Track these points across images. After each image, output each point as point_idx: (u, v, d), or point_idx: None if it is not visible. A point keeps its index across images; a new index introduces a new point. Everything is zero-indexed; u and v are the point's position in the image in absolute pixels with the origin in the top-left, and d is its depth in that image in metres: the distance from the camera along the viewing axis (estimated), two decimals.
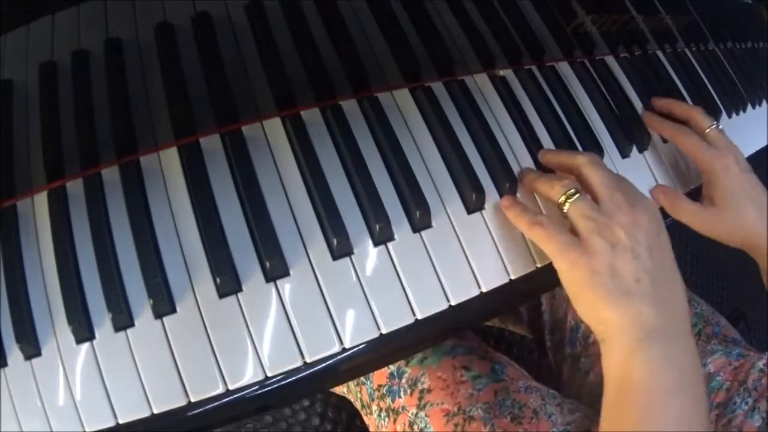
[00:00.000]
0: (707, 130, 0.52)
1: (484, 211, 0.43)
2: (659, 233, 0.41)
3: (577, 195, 0.41)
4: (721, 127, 0.53)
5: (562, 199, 0.41)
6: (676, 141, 0.53)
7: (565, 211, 0.41)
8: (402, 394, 0.56)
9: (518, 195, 0.45)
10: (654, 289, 0.38)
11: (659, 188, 0.52)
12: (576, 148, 0.49)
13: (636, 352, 0.36)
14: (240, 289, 0.37)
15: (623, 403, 0.37)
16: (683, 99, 0.60)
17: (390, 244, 0.40)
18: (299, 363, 0.37)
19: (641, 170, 0.52)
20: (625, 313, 0.37)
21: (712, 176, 0.50)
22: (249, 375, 0.36)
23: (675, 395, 0.35)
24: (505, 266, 0.42)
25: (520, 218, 0.42)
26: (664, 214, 0.48)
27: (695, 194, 0.54)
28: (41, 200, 0.39)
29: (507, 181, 0.44)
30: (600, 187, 0.41)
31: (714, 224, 0.50)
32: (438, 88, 0.47)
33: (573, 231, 0.41)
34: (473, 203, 0.43)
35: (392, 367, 0.57)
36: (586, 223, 0.39)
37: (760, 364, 0.51)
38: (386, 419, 0.57)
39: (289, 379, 0.37)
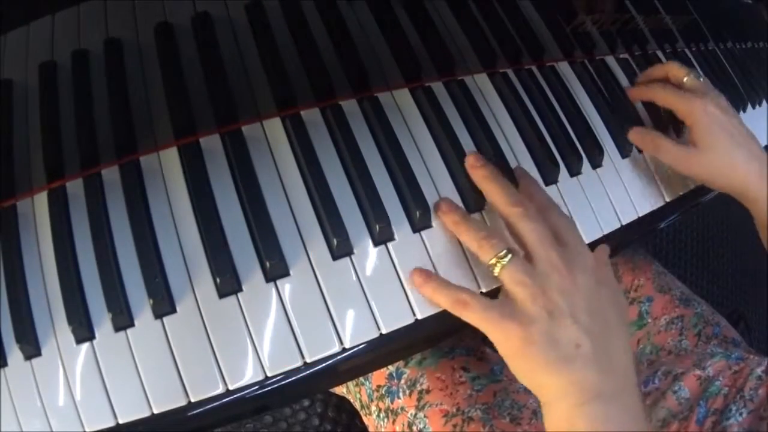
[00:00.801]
0: (684, 79, 0.52)
1: (484, 211, 0.43)
2: (599, 288, 0.39)
3: (509, 257, 0.38)
4: (701, 76, 0.53)
5: (493, 261, 0.38)
6: (654, 97, 0.52)
7: (495, 273, 0.38)
8: (401, 394, 0.56)
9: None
10: (595, 351, 0.36)
11: (634, 129, 0.51)
12: (576, 148, 0.49)
13: (578, 416, 0.35)
14: (240, 289, 0.37)
15: None
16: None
17: (390, 244, 0.40)
18: (299, 363, 0.37)
19: (641, 170, 0.52)
20: (566, 379, 0.36)
21: (691, 120, 0.49)
22: (249, 375, 0.36)
23: None
24: None
25: (437, 296, 0.39)
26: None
27: (699, 192, 0.54)
28: (41, 200, 0.39)
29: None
30: (534, 246, 0.38)
31: (697, 165, 0.49)
32: (438, 88, 0.47)
33: (503, 290, 0.39)
34: (474, 203, 0.43)
35: (391, 368, 0.57)
36: (520, 289, 0.37)
37: (759, 370, 0.50)
38: (385, 420, 0.57)
39: (289, 379, 0.37)
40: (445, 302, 0.38)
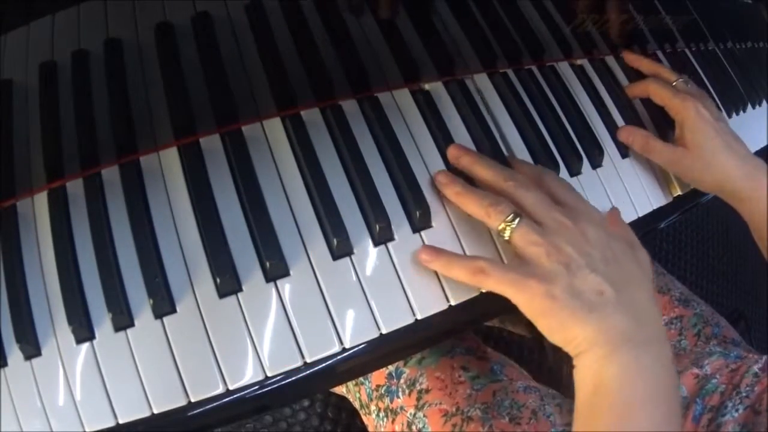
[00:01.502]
0: (674, 83, 0.53)
1: None
2: (609, 241, 0.39)
3: (517, 220, 0.38)
4: (689, 81, 0.54)
5: (502, 226, 0.38)
6: (648, 91, 0.53)
7: (506, 238, 0.39)
8: (400, 394, 0.56)
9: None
10: (619, 297, 0.37)
11: (624, 128, 0.52)
12: (576, 148, 0.49)
13: (607, 362, 0.35)
14: (240, 289, 0.37)
15: (596, 411, 0.36)
16: None
17: (390, 244, 0.40)
18: (299, 363, 0.37)
19: (641, 170, 0.52)
20: (594, 328, 0.36)
21: (682, 118, 0.50)
22: (249, 375, 0.36)
23: (647, 406, 0.35)
24: None
25: (453, 269, 0.39)
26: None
27: (699, 192, 0.54)
28: (41, 200, 0.39)
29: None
30: (535, 210, 0.39)
31: (687, 165, 0.49)
32: (438, 88, 0.47)
33: (517, 254, 0.39)
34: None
35: (391, 368, 0.57)
36: (533, 249, 0.37)
37: (756, 368, 0.50)
38: (385, 419, 0.57)
39: (289, 379, 0.37)
40: (461, 273, 0.38)
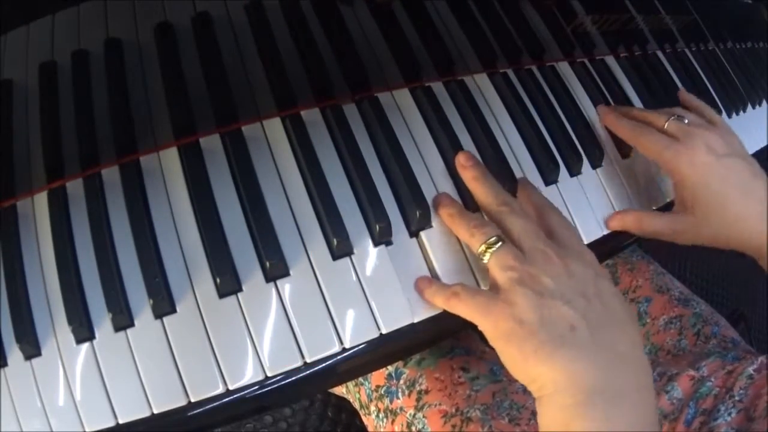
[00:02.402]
0: (666, 126, 0.46)
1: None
2: (597, 280, 0.36)
3: (499, 244, 0.36)
4: (685, 117, 0.46)
5: (482, 248, 0.36)
6: (634, 142, 0.47)
7: (484, 261, 0.37)
8: (400, 395, 0.56)
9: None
10: (594, 338, 0.33)
11: (615, 216, 0.46)
12: (576, 148, 0.49)
13: (576, 415, 0.31)
14: (240, 289, 0.37)
15: None
16: None
17: (390, 244, 0.40)
18: (299, 363, 0.37)
19: (641, 170, 0.52)
20: (561, 369, 0.32)
21: (677, 176, 0.44)
22: (249, 375, 0.36)
23: None
24: None
25: (435, 297, 0.38)
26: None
27: None
28: (41, 200, 0.39)
29: (507, 181, 0.44)
30: (521, 237, 0.37)
31: (691, 233, 0.43)
32: (438, 88, 0.47)
33: (492, 281, 0.37)
34: (473, 202, 0.43)
35: (390, 368, 0.57)
36: (508, 274, 0.35)
37: (750, 369, 0.48)
38: (384, 420, 0.57)
39: (289, 379, 0.37)
40: (440, 301, 0.37)
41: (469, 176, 0.41)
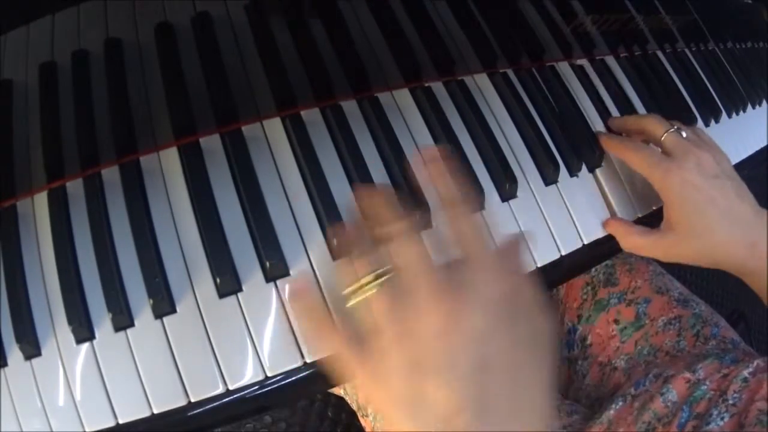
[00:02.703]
0: (663, 138, 0.45)
1: (483, 211, 0.43)
2: (507, 327, 0.28)
3: (382, 279, 0.29)
4: (684, 130, 0.46)
5: (362, 283, 0.29)
6: (626, 159, 0.47)
7: (356, 299, 0.30)
8: None
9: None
10: (483, 420, 0.26)
11: (609, 222, 0.47)
12: (576, 148, 0.49)
13: None
14: (240, 289, 0.37)
15: None
16: (683, 99, 0.60)
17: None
18: (299, 363, 0.37)
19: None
20: None
21: (666, 196, 0.43)
22: (249, 375, 0.36)
23: None
24: None
25: (300, 320, 0.34)
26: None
27: None
28: (41, 200, 0.39)
29: (507, 181, 0.44)
30: (407, 276, 0.29)
31: (676, 252, 0.43)
32: (438, 88, 0.47)
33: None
34: (473, 204, 0.43)
35: None
36: (383, 328, 0.28)
37: (746, 372, 0.47)
38: (382, 421, 0.56)
39: (289, 379, 0.37)
40: (304, 325, 0.34)
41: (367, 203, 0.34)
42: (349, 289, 0.30)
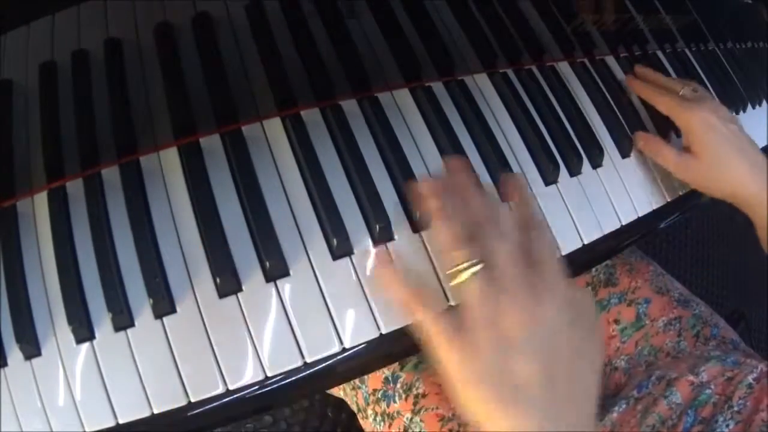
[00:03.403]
0: (681, 92, 0.53)
1: None
2: (570, 322, 0.34)
3: (478, 267, 0.34)
4: (697, 89, 0.53)
5: (459, 268, 0.34)
6: (653, 101, 0.54)
7: (456, 282, 0.34)
8: (397, 399, 0.55)
9: None
10: (551, 395, 0.32)
11: (639, 134, 0.52)
12: (576, 148, 0.49)
13: None
14: (240, 289, 0.37)
15: None
16: None
17: (390, 244, 0.40)
18: (299, 363, 0.37)
19: (642, 170, 0.52)
20: (511, 424, 0.31)
21: (690, 128, 0.50)
22: (249, 375, 0.36)
23: None
24: None
25: (395, 287, 0.36)
26: None
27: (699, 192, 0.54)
28: (41, 200, 0.39)
29: (506, 180, 0.44)
30: (503, 268, 0.34)
31: (696, 173, 0.50)
32: (438, 87, 0.47)
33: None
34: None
35: (387, 372, 0.57)
36: (479, 311, 0.33)
37: (750, 378, 0.48)
38: (382, 423, 0.56)
39: (289, 379, 0.37)
40: (401, 294, 0.36)
41: (457, 183, 0.39)
42: (450, 271, 0.35)
